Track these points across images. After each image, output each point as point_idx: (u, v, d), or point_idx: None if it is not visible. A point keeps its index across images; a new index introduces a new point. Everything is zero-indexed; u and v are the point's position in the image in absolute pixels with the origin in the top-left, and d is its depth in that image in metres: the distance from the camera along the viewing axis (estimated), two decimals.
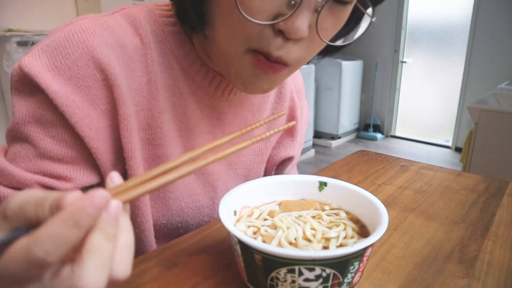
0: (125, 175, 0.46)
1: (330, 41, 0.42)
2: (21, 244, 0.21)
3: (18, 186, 0.42)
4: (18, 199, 0.23)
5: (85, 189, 0.45)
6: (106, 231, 0.22)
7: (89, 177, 0.45)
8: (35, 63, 0.40)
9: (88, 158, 0.44)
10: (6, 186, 0.42)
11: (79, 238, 0.22)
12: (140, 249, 0.52)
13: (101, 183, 0.47)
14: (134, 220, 0.49)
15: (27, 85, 0.41)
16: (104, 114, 0.43)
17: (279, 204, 0.46)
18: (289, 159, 0.68)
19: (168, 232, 0.55)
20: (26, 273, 0.21)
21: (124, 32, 0.44)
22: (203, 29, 0.44)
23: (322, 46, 0.43)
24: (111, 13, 0.46)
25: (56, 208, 0.22)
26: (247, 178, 0.61)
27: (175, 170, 0.27)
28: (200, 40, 0.48)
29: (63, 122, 0.42)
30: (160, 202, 0.52)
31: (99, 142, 0.43)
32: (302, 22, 0.37)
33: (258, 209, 0.45)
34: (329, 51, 0.49)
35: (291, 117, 0.66)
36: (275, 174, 0.68)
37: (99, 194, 0.22)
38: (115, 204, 0.23)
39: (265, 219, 0.42)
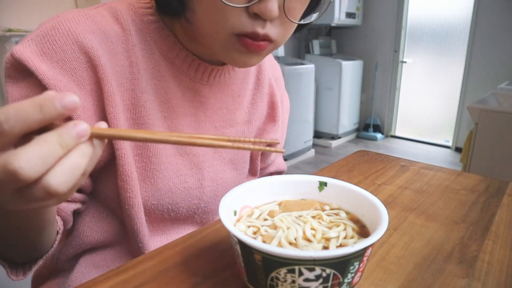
0: (111, 153, 0.49)
1: (301, 17, 0.48)
2: None
3: None
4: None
5: None
6: (62, 138, 0.25)
7: None
8: (25, 50, 0.44)
9: None
10: None
11: (36, 123, 0.24)
12: (132, 230, 0.53)
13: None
14: (123, 196, 0.51)
15: (18, 70, 0.45)
16: (90, 94, 0.47)
17: (279, 204, 0.46)
18: (272, 145, 0.69)
19: (160, 215, 0.55)
20: None
21: (106, 21, 0.48)
22: (184, 13, 0.47)
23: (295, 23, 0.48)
24: (95, 8, 0.50)
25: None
26: (233, 162, 0.63)
27: (157, 134, 0.30)
28: (182, 25, 0.51)
29: None
30: (148, 182, 0.53)
31: (86, 120, 0.46)
32: (272, 4, 0.41)
33: (258, 209, 0.45)
34: (302, 25, 0.53)
35: (271, 103, 0.68)
36: (261, 159, 0.70)
37: (70, 97, 0.25)
38: (83, 125, 0.26)
39: (265, 219, 0.42)
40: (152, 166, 0.52)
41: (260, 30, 0.43)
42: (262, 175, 0.75)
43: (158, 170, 0.53)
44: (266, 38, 0.45)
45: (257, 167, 0.70)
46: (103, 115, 0.47)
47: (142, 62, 0.50)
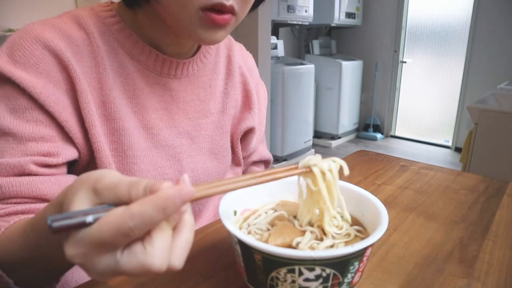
0: (91, 149, 0.51)
1: None
2: (117, 213, 0.25)
3: (15, 172, 0.45)
4: (110, 178, 0.27)
5: (69, 163, 0.50)
6: (171, 223, 0.27)
7: (71, 152, 0.49)
8: None
9: (64, 133, 0.49)
10: (4, 176, 0.44)
11: (160, 222, 0.26)
12: None
13: (79, 158, 0.51)
14: None
15: None
16: (66, 93, 0.48)
17: (278, 204, 0.46)
18: (250, 131, 0.71)
19: None
20: (113, 239, 0.25)
21: (70, 27, 0.50)
22: (149, 2, 0.49)
23: None
24: (58, 17, 0.52)
25: (150, 191, 0.26)
26: (212, 151, 0.64)
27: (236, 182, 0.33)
28: (146, 15, 0.53)
29: (34, 104, 0.46)
30: (126, 175, 0.53)
31: (68, 116, 0.48)
32: None
33: (259, 212, 0.45)
34: (258, 2, 0.56)
35: (245, 91, 0.70)
36: (242, 148, 0.71)
37: (187, 189, 0.26)
38: (186, 193, 0.26)
39: (268, 229, 0.42)
40: (128, 159, 0.53)
41: (227, 2, 0.46)
42: (245, 165, 0.76)
43: (135, 163, 0.54)
44: (231, 11, 0.47)
45: (239, 156, 0.71)
46: (79, 112, 0.49)
47: (108, 62, 0.52)
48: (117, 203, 0.26)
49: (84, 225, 0.25)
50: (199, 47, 0.62)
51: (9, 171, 0.44)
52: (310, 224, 0.42)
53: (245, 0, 0.49)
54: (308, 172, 0.40)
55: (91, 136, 0.50)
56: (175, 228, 0.28)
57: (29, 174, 0.45)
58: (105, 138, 0.52)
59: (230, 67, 0.67)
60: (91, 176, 0.28)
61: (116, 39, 0.53)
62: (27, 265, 0.39)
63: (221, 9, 0.46)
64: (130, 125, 0.54)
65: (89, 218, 0.25)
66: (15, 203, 0.45)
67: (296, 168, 0.39)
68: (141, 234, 0.25)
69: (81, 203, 0.27)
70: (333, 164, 0.41)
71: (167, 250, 0.26)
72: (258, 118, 0.72)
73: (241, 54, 0.72)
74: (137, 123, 0.55)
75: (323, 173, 0.40)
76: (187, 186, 0.26)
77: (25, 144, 0.46)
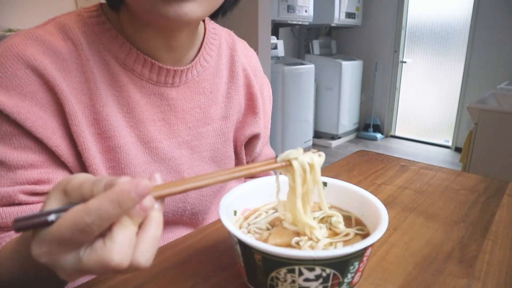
0: (86, 171, 0.48)
1: None
2: (74, 210, 0.25)
3: (4, 202, 0.43)
4: (79, 178, 0.28)
5: None
6: (134, 219, 0.27)
7: (63, 175, 0.47)
8: None
9: (55, 158, 0.46)
10: None
11: (118, 217, 0.26)
12: None
13: None
14: None
15: None
16: (54, 115, 0.45)
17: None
18: (255, 137, 0.67)
19: None
20: (72, 235, 0.25)
21: (55, 39, 0.46)
22: None
23: None
24: (43, 25, 0.48)
25: (109, 186, 0.26)
26: (214, 160, 0.61)
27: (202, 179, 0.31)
28: (126, 16, 0.49)
29: (20, 130, 0.43)
30: None
31: (58, 140, 0.45)
32: None
33: (259, 211, 0.45)
34: None
35: (250, 94, 0.65)
36: (246, 153, 0.68)
37: (143, 183, 0.26)
38: (148, 199, 0.27)
39: (268, 229, 0.42)
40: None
41: None
42: None
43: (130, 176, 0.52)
44: None
45: (243, 161, 0.67)
46: (70, 135, 0.47)
47: (98, 75, 0.48)
48: (83, 202, 0.26)
49: (46, 224, 0.26)
50: (198, 51, 0.57)
51: None
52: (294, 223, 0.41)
53: None
54: (287, 166, 0.37)
55: (85, 159, 0.47)
56: (140, 225, 0.28)
57: (19, 203, 0.43)
58: (101, 157, 0.49)
59: (233, 69, 0.63)
60: (64, 179, 0.28)
61: (107, 49, 0.49)
62: (26, 283, 0.39)
63: None
64: (126, 141, 0.51)
65: (51, 217, 0.26)
66: (4, 231, 0.44)
67: (275, 162, 0.37)
68: (100, 230, 0.26)
69: (51, 204, 0.27)
70: (316, 157, 0.39)
71: (128, 246, 0.26)
72: (263, 122, 0.68)
73: (245, 53, 0.67)
74: (134, 138, 0.52)
75: (303, 169, 0.37)
76: (144, 181, 0.26)
77: (14, 172, 0.43)
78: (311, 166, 0.38)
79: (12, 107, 0.42)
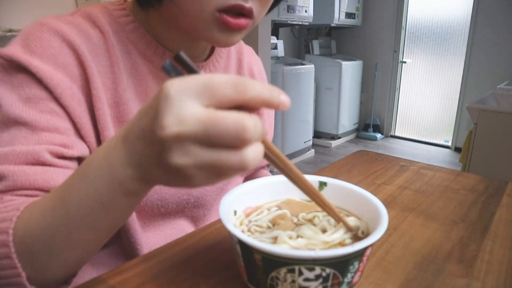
0: None
1: None
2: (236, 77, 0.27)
3: (29, 160, 0.40)
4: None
5: (81, 159, 0.46)
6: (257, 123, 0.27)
7: (84, 148, 0.47)
8: (12, 49, 0.43)
9: (76, 130, 0.47)
10: (16, 164, 0.40)
11: (266, 102, 0.27)
12: (124, 227, 0.53)
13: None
14: None
15: (8, 69, 0.43)
16: (81, 90, 0.47)
17: (283, 202, 0.47)
18: None
19: (150, 211, 0.56)
20: (229, 93, 0.26)
21: (84, 25, 0.49)
22: (161, 2, 0.47)
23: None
24: (70, 14, 0.50)
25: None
26: None
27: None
28: (162, 15, 0.51)
29: (49, 95, 0.44)
30: None
31: (81, 113, 0.46)
32: None
33: (261, 209, 0.45)
34: (274, 4, 0.54)
35: None
36: None
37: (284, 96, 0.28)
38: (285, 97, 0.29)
39: (269, 227, 0.42)
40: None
41: (246, 4, 0.45)
42: (254, 169, 0.75)
43: None
44: (250, 13, 0.46)
45: None
46: (92, 111, 0.48)
47: (122, 62, 0.51)
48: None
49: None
50: (212, 51, 0.61)
51: (22, 159, 0.40)
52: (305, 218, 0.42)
53: (264, 3, 0.47)
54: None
55: (103, 138, 0.48)
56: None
57: (44, 163, 0.41)
58: None
59: (240, 71, 0.67)
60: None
61: (130, 39, 0.52)
62: (61, 239, 0.34)
63: (239, 11, 0.45)
64: None
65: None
66: (26, 195, 0.39)
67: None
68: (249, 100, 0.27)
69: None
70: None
71: (257, 128, 0.26)
72: (268, 123, 0.72)
73: (251, 58, 0.71)
74: None
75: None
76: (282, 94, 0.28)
77: (39, 134, 0.42)
78: None
79: (46, 73, 0.43)
